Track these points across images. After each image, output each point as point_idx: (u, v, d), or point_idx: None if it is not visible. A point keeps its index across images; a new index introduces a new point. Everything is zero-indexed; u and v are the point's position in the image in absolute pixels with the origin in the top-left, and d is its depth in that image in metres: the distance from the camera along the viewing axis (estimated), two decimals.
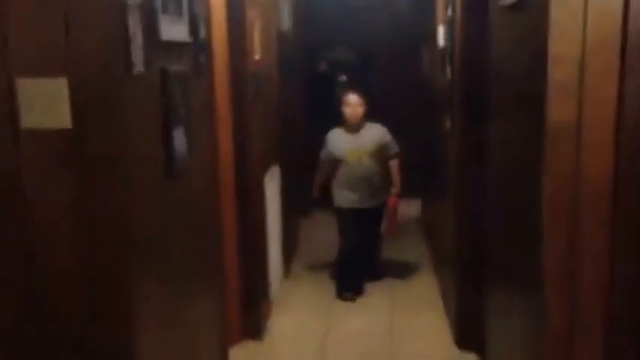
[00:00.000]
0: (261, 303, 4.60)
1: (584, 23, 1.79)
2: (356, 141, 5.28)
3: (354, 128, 5.31)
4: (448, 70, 4.37)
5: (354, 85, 5.89)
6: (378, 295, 5.34)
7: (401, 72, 7.75)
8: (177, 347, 2.69)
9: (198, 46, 2.86)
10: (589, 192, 1.87)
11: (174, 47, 2.49)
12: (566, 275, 1.92)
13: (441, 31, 4.81)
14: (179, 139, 2.53)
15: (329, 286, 5.47)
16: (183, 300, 2.74)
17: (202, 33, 2.93)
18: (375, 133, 5.34)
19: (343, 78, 7.79)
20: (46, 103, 1.93)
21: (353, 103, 5.27)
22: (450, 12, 4.25)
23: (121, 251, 2.03)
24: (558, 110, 1.85)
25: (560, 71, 1.82)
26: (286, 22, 5.92)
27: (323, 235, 6.45)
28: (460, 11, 3.87)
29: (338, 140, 5.36)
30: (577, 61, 1.81)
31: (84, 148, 1.95)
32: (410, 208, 7.04)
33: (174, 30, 2.45)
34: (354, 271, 5.38)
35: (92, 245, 2.00)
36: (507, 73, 2.54)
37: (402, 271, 5.83)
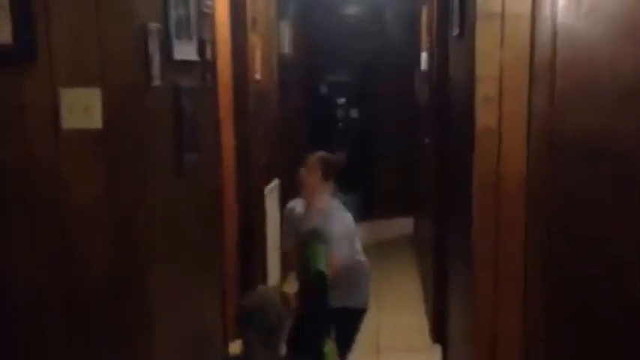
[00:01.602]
0: None
1: (502, 49, 2.32)
2: (308, 225, 3.82)
3: (309, 205, 3.92)
4: (427, 92, 4.90)
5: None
6: None
7: (396, 94, 8.26)
8: (184, 326, 3.10)
9: (205, 65, 3.39)
10: (507, 180, 2.39)
11: (184, 65, 3.01)
12: (490, 246, 2.44)
13: (424, 57, 5.35)
14: (188, 143, 3.04)
15: None
16: (188, 284, 3.17)
17: (209, 54, 3.45)
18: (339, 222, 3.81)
19: (342, 100, 8.34)
20: (83, 108, 2.42)
21: (307, 167, 3.88)
22: (427, 40, 4.79)
23: (140, 232, 2.51)
24: (483, 118, 2.38)
25: (484, 87, 2.35)
26: (287, 47, 6.45)
27: None
28: (433, 40, 4.41)
29: (290, 217, 4.10)
30: (496, 79, 2.34)
31: (112, 145, 2.44)
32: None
33: (185, 51, 2.97)
34: None
35: (116, 226, 2.47)
36: (456, 90, 3.06)
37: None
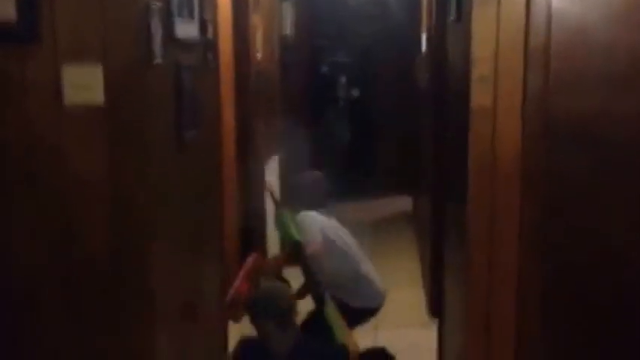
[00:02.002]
0: None
1: (497, 31, 2.36)
2: None
3: None
4: (427, 74, 4.94)
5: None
6: None
7: (396, 75, 8.28)
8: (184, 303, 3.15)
9: (207, 44, 3.43)
10: (502, 161, 2.43)
11: (186, 44, 3.04)
12: (485, 225, 2.49)
13: (424, 39, 5.38)
14: (188, 121, 3.08)
15: None
16: (188, 261, 3.23)
17: (210, 33, 3.49)
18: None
19: (343, 80, 8.38)
20: (85, 85, 2.46)
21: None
22: (427, 23, 4.83)
23: (140, 209, 2.55)
24: (479, 97, 2.42)
25: (479, 68, 2.39)
26: (289, 27, 6.47)
27: None
28: (432, 23, 4.44)
29: None
30: (492, 60, 2.38)
31: (114, 121, 2.48)
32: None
33: (186, 30, 3.00)
34: None
35: (117, 203, 2.52)
36: (454, 72, 3.10)
37: None
